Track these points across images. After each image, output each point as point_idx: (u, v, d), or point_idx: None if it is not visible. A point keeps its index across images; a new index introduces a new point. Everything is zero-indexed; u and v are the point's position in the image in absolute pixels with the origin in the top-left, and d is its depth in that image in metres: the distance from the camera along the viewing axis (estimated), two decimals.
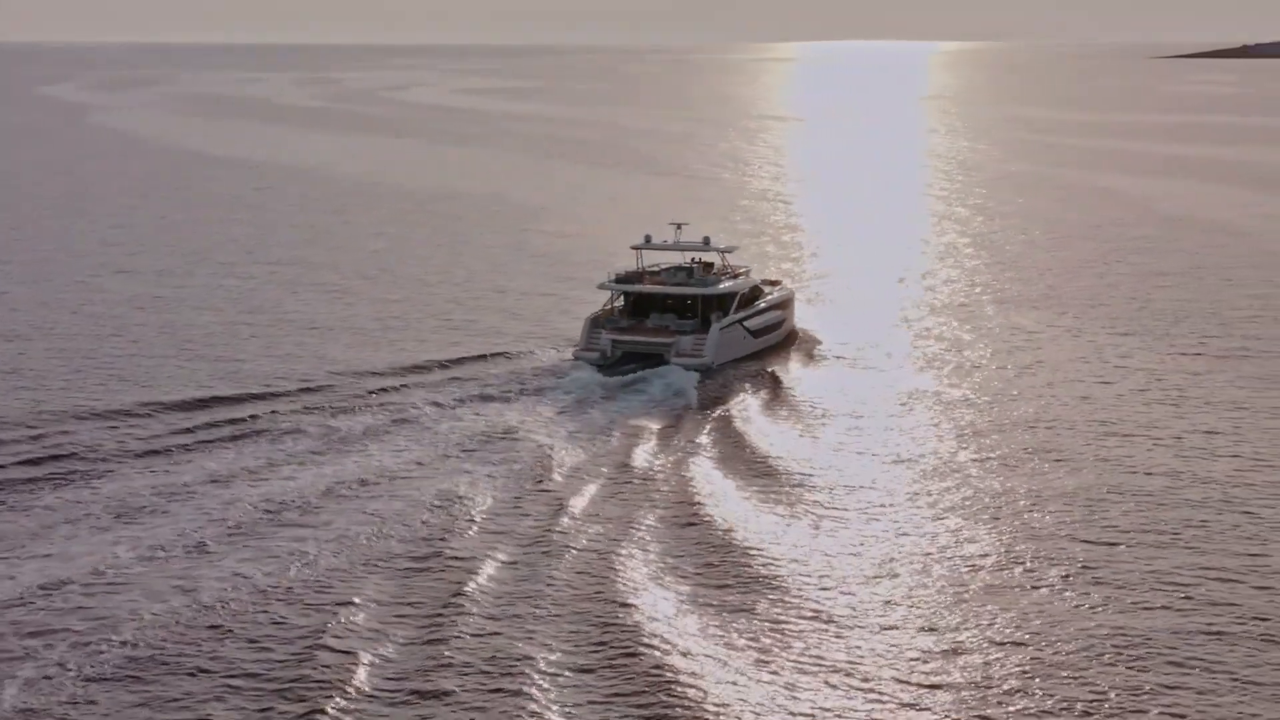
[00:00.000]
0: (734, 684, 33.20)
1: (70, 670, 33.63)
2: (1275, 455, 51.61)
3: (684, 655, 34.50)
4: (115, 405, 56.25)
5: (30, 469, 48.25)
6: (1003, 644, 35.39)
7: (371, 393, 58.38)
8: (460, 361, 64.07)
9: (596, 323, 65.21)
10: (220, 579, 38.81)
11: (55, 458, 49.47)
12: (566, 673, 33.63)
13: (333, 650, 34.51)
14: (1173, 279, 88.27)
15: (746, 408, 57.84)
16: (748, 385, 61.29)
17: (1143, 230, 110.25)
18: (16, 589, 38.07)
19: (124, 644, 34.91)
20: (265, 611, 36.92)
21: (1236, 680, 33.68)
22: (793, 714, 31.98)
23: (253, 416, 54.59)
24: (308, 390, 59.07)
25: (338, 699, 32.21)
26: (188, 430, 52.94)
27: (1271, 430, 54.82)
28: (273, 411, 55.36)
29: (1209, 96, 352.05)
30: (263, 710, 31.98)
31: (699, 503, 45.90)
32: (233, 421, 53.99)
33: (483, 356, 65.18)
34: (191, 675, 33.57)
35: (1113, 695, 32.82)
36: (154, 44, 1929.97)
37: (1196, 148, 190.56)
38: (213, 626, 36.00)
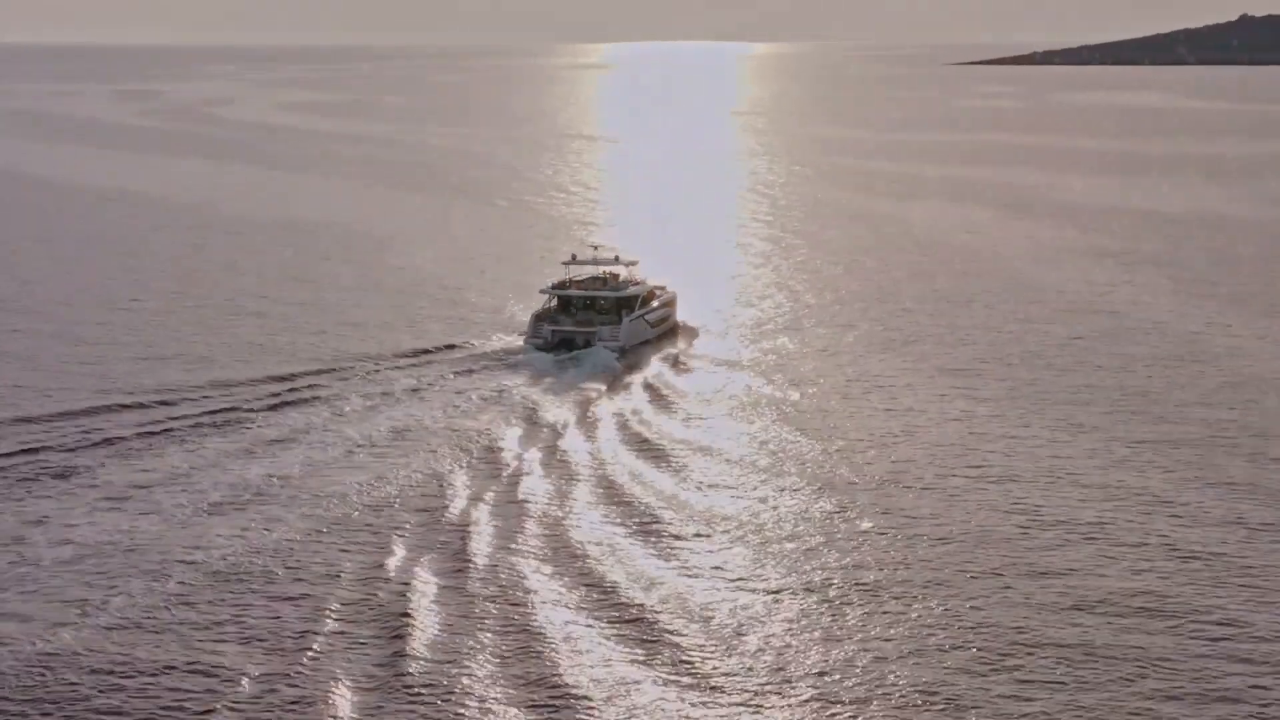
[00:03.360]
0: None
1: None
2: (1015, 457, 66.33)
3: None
4: (89, 403, 72.27)
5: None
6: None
7: (381, 371, 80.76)
8: (439, 349, 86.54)
9: (539, 318, 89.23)
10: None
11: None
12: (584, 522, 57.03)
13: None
14: (921, 301, 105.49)
15: (653, 373, 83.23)
16: (652, 359, 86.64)
17: (904, 256, 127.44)
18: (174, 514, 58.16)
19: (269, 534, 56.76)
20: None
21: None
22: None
23: (291, 390, 75.81)
24: (329, 370, 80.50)
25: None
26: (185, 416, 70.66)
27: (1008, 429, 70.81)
28: (325, 384, 77.33)
29: (989, 112, 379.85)
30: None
31: (631, 422, 72.14)
32: (277, 394, 75.23)
33: (451, 345, 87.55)
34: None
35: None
36: None
37: (969, 170, 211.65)
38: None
